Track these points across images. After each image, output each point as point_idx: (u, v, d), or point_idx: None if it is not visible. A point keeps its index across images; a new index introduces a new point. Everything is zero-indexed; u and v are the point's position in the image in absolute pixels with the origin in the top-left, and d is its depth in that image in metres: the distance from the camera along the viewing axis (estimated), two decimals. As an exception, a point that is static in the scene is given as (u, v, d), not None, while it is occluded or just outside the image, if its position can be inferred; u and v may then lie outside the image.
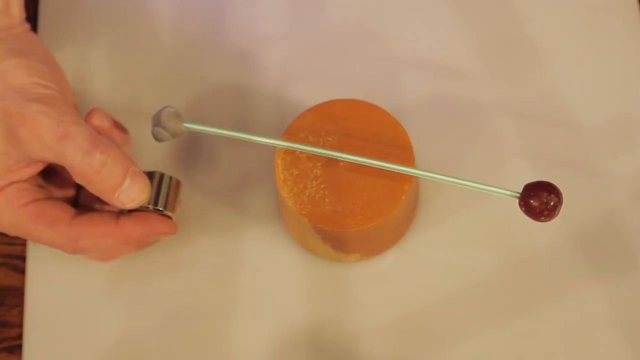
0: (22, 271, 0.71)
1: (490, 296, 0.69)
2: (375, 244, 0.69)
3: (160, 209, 0.65)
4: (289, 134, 0.68)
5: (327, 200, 0.66)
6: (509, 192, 0.62)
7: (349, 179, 0.66)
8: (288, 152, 0.67)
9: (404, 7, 0.76)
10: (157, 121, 0.65)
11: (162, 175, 0.66)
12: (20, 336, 0.70)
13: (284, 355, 0.68)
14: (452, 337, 0.68)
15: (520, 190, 0.62)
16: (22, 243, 0.72)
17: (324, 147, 0.67)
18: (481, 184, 0.62)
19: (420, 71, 0.75)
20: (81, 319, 0.69)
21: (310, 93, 0.73)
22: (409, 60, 0.75)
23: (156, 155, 0.73)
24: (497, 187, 0.62)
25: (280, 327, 0.69)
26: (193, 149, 0.73)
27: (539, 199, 0.61)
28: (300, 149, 0.66)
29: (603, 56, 0.75)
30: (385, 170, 0.66)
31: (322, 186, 0.66)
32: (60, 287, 0.70)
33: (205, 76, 0.75)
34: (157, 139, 0.66)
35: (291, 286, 0.70)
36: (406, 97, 0.74)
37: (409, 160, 0.67)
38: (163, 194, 0.66)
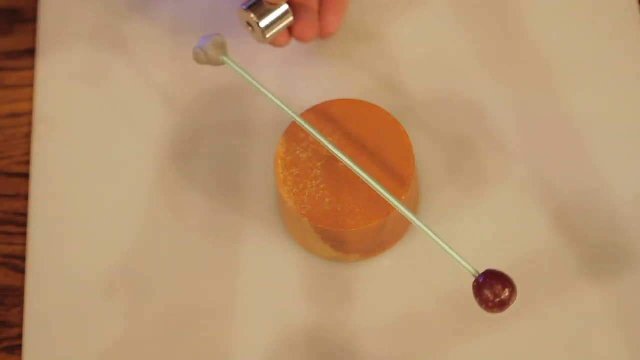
0: (22, 271, 0.71)
1: (490, 296, 0.69)
2: (375, 244, 0.69)
3: (261, 26, 0.68)
4: (290, 134, 0.68)
5: (327, 200, 0.66)
6: (470, 268, 0.62)
7: (349, 179, 0.66)
8: (288, 152, 0.67)
9: (404, 7, 0.76)
10: (201, 43, 0.67)
11: (287, 12, 0.69)
12: (20, 336, 0.70)
13: (284, 355, 0.68)
14: (452, 337, 0.68)
15: (481, 270, 0.61)
16: (22, 243, 0.72)
17: (324, 146, 0.67)
18: (451, 248, 0.62)
19: (421, 71, 0.75)
20: (81, 319, 0.69)
21: (310, 93, 0.73)
22: (409, 60, 0.75)
23: (157, 155, 0.73)
24: (462, 259, 0.62)
25: (280, 327, 0.69)
26: (193, 148, 0.73)
27: (492, 290, 0.61)
28: (315, 136, 0.65)
29: (603, 56, 0.75)
30: (385, 170, 0.66)
31: (322, 186, 0.66)
32: (60, 287, 0.70)
33: (206, 76, 0.75)
34: (195, 60, 0.67)
35: (291, 286, 0.70)
36: (406, 97, 0.74)
37: (409, 160, 0.67)
38: (274, 20, 0.69)
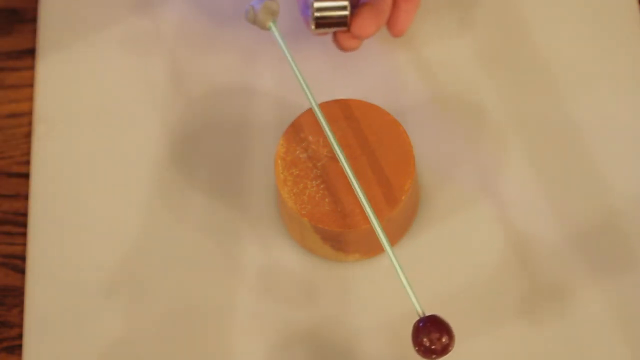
0: (22, 271, 0.71)
1: (490, 296, 0.69)
2: (375, 244, 0.69)
3: (316, 14, 0.68)
4: (290, 134, 0.68)
5: (327, 200, 0.66)
6: (418, 307, 0.62)
7: (349, 179, 0.66)
8: (288, 152, 0.67)
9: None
10: (256, 3, 0.68)
11: (345, 17, 0.69)
12: (20, 336, 0.70)
13: (284, 355, 0.68)
14: (452, 337, 0.68)
15: (428, 314, 0.62)
16: (22, 243, 0.72)
17: (324, 146, 0.67)
18: (409, 284, 0.62)
19: (421, 71, 0.75)
20: (81, 319, 0.69)
21: (310, 93, 0.73)
22: (409, 60, 0.75)
23: (157, 155, 0.73)
24: (415, 297, 0.62)
25: (280, 327, 0.69)
26: (194, 148, 0.73)
27: (428, 336, 0.61)
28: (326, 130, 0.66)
29: (603, 56, 0.75)
30: (385, 170, 0.66)
31: (322, 186, 0.66)
32: (60, 287, 0.70)
33: (205, 76, 0.75)
34: (246, 17, 0.69)
35: (291, 286, 0.70)
36: (406, 97, 0.74)
37: (409, 160, 0.67)
38: (332, 14, 0.69)
